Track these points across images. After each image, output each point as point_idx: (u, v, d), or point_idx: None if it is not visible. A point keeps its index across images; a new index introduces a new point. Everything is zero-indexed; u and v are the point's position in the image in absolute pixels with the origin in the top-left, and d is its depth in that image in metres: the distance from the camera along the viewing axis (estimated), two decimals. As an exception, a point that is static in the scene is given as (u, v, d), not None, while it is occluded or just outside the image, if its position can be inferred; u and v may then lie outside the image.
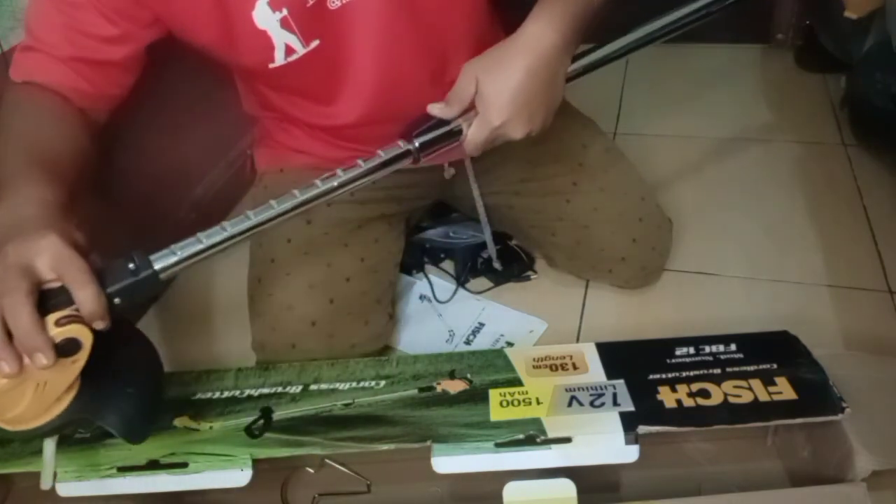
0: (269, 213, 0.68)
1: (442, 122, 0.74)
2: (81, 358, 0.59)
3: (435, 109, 0.74)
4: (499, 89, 0.71)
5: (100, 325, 0.58)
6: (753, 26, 1.74)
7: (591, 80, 0.80)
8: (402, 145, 0.73)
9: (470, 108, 0.74)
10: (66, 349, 0.58)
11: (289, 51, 0.78)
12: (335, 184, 0.71)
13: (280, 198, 0.69)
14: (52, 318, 0.57)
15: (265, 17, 0.75)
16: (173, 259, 0.64)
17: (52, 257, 0.57)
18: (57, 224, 0.59)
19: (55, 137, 0.71)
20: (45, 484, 0.67)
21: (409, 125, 0.74)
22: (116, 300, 0.60)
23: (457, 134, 0.74)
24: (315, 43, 0.78)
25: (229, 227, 0.67)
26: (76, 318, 0.57)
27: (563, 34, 0.72)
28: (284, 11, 0.74)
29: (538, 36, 0.71)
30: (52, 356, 0.56)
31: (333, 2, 0.76)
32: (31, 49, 0.75)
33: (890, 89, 1.22)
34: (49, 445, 0.66)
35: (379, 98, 0.85)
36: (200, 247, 0.65)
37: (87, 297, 0.57)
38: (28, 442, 0.75)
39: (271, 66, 0.79)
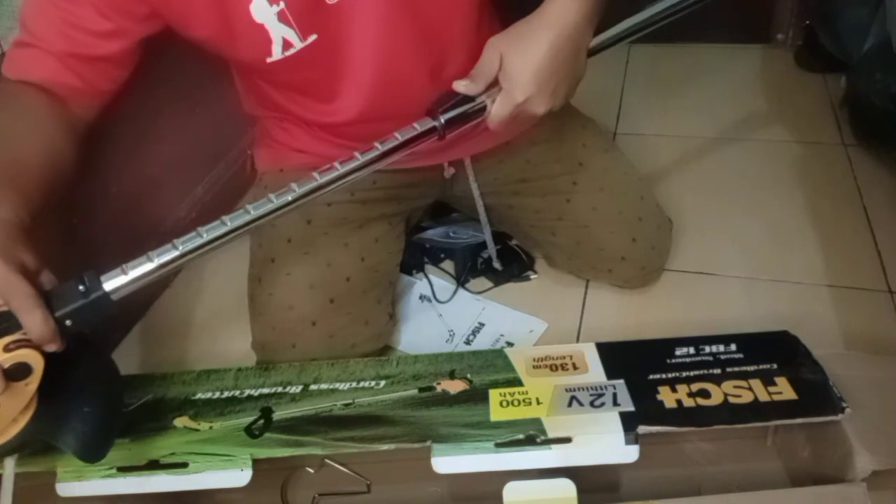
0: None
1: (467, 99, 0.74)
2: (34, 381, 0.58)
3: (460, 86, 0.74)
4: (523, 65, 0.71)
5: (51, 347, 0.58)
6: (753, 26, 1.74)
7: (591, 80, 0.80)
8: (428, 122, 0.73)
9: (494, 84, 0.74)
10: (16, 374, 0.57)
11: (286, 45, 0.78)
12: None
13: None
14: (3, 341, 0.57)
15: (262, 11, 0.75)
16: (124, 279, 0.63)
17: None
18: (3, 246, 0.58)
19: (29, 141, 0.70)
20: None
21: (434, 103, 0.75)
22: (68, 322, 0.60)
23: (481, 110, 0.75)
24: (312, 37, 0.78)
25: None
26: (25, 343, 0.57)
27: (586, 8, 0.72)
28: (282, 4, 0.75)
29: (561, 11, 0.72)
30: None
31: None
32: (24, 45, 0.75)
33: (890, 89, 1.22)
34: (8, 464, 0.64)
35: (378, 95, 0.85)
36: (151, 266, 0.64)
37: (33, 322, 0.57)
38: (28, 442, 0.75)
39: (269, 60, 0.79)
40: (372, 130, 0.88)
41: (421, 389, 0.77)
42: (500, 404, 0.73)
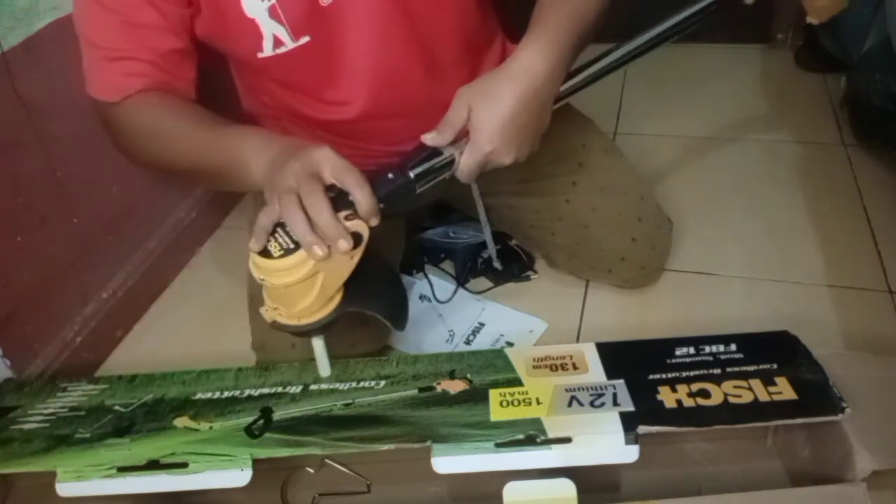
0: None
1: (436, 152, 0.74)
2: (358, 252, 0.68)
3: (428, 139, 0.74)
4: (489, 117, 0.72)
5: (374, 221, 0.67)
6: (753, 26, 1.74)
7: (591, 80, 0.81)
8: (394, 177, 0.72)
9: (462, 135, 0.74)
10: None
11: (277, 42, 0.78)
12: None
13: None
14: (340, 215, 0.65)
15: (253, 6, 0.75)
16: (420, 168, 0.73)
17: (332, 165, 0.67)
18: (328, 144, 0.70)
19: (207, 118, 0.79)
20: (324, 372, 0.78)
21: (405, 157, 0.74)
22: (381, 205, 0.68)
23: (450, 163, 0.75)
24: (305, 39, 0.78)
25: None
26: (356, 216, 0.67)
27: (553, 62, 0.73)
28: (273, 0, 0.75)
29: (528, 65, 0.73)
30: (351, 241, 0.65)
31: None
32: (109, 60, 0.77)
33: (890, 89, 1.23)
34: (318, 342, 0.75)
35: (377, 93, 0.85)
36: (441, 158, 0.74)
37: (364, 196, 0.66)
38: (28, 441, 0.75)
39: (260, 55, 0.79)
40: (374, 128, 0.88)
41: (421, 389, 0.77)
42: (500, 404, 0.73)
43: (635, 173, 1.05)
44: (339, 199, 0.66)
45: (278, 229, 0.66)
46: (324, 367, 0.77)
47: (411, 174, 0.73)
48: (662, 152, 1.40)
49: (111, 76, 0.78)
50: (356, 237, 0.66)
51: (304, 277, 0.66)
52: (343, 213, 0.66)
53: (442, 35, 0.85)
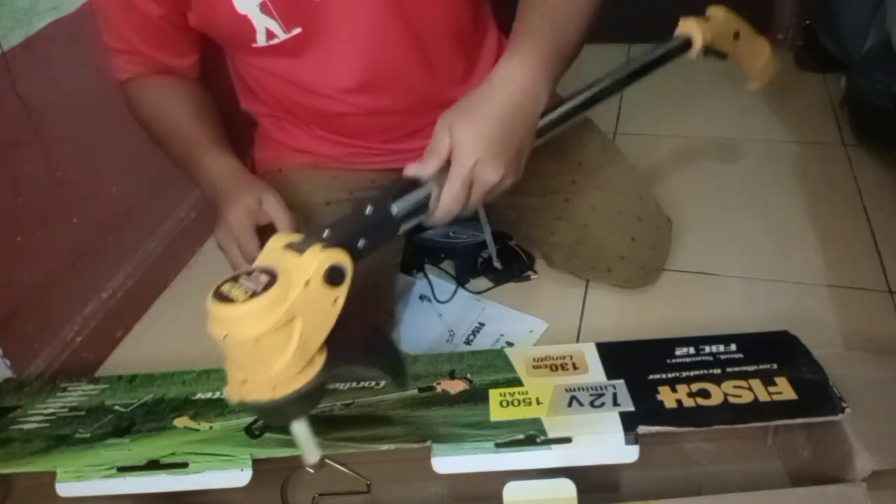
0: None
1: (420, 185, 0.67)
2: (341, 294, 0.56)
3: (410, 170, 0.68)
4: (469, 131, 0.67)
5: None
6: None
7: (591, 79, 0.80)
8: (372, 211, 0.63)
9: (447, 167, 0.68)
10: (331, 276, 0.56)
11: (269, 35, 0.79)
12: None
13: None
14: (316, 247, 0.56)
15: (245, 2, 0.76)
16: (400, 206, 0.64)
17: (248, 208, 0.76)
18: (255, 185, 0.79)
19: (203, 107, 0.88)
20: (313, 456, 0.62)
21: (387, 191, 0.66)
22: (360, 243, 0.59)
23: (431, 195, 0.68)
24: (297, 30, 0.79)
25: None
26: (335, 246, 0.56)
27: (534, 74, 0.70)
28: None
29: (509, 77, 0.69)
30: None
31: None
32: (115, 51, 0.86)
33: (890, 89, 1.22)
34: (300, 426, 0.60)
35: (369, 84, 0.85)
36: (423, 193, 0.66)
37: (285, 219, 0.75)
38: (28, 442, 0.75)
39: (254, 45, 0.80)
40: (369, 124, 0.88)
41: (421, 389, 0.77)
42: (500, 404, 0.73)
43: (635, 172, 1.05)
44: (312, 231, 0.59)
45: (240, 278, 0.55)
46: (311, 450, 0.62)
47: (393, 208, 0.64)
48: (662, 152, 1.40)
49: (114, 59, 0.87)
50: (335, 272, 0.56)
51: (278, 324, 0.53)
52: (317, 245, 0.56)
53: (434, 27, 0.85)
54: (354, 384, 0.78)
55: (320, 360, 0.57)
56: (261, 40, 0.79)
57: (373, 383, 0.78)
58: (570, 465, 0.68)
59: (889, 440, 0.67)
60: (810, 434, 0.74)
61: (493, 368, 0.78)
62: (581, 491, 0.66)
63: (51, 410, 0.80)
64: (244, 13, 0.76)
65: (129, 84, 0.89)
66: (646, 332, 0.99)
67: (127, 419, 0.77)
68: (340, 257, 0.56)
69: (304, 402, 0.58)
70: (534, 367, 0.78)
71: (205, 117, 0.87)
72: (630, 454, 0.68)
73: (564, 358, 0.78)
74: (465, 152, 0.67)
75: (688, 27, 0.89)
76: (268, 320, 0.53)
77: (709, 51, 0.93)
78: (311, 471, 0.80)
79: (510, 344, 1.02)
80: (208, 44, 0.88)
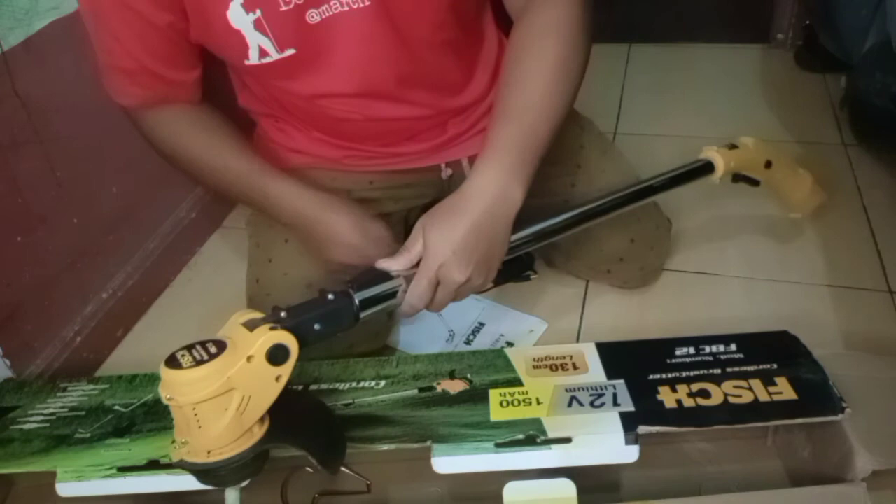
0: None
1: (387, 277, 0.72)
2: (284, 372, 0.60)
3: (382, 264, 0.73)
4: (439, 236, 0.72)
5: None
6: (753, 26, 1.74)
7: (591, 79, 0.81)
8: (334, 297, 0.68)
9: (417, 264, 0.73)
10: (273, 355, 0.59)
11: (262, 52, 0.78)
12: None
13: None
14: (264, 326, 0.60)
15: (239, 18, 0.75)
16: (371, 291, 0.70)
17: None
18: None
19: (240, 136, 0.86)
20: None
21: (352, 279, 0.72)
22: (316, 327, 0.65)
23: (396, 291, 0.73)
24: (290, 51, 0.78)
25: None
26: (281, 328, 0.61)
27: (505, 182, 0.73)
28: (258, 13, 0.74)
29: (482, 186, 0.73)
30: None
31: (312, 16, 0.76)
32: (117, 70, 0.80)
33: (890, 89, 1.22)
34: (233, 494, 0.64)
35: (363, 101, 0.85)
36: (390, 284, 0.71)
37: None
38: (28, 442, 0.75)
39: (247, 62, 0.79)
40: (367, 130, 0.88)
41: (421, 389, 0.77)
42: (500, 404, 0.73)
43: (634, 174, 1.05)
44: (274, 311, 0.63)
45: (196, 345, 0.59)
46: None
47: (356, 298, 0.69)
48: (662, 152, 1.39)
49: (117, 83, 0.82)
50: (278, 351, 0.59)
51: (215, 392, 0.57)
52: (266, 325, 0.60)
53: (428, 42, 0.84)
54: (354, 384, 0.78)
55: (259, 432, 0.61)
56: (253, 58, 0.78)
57: (373, 383, 0.78)
58: (570, 465, 0.68)
59: (889, 440, 0.67)
60: (810, 434, 0.74)
61: (494, 368, 0.78)
62: (581, 491, 0.66)
63: (51, 410, 0.80)
64: (238, 28, 0.76)
65: (144, 114, 0.85)
66: (646, 332, 0.99)
67: (127, 419, 0.77)
68: (286, 338, 0.60)
69: (239, 470, 0.61)
70: (534, 367, 0.78)
71: (247, 146, 0.86)
72: (630, 454, 0.68)
73: (564, 358, 0.78)
74: (433, 254, 0.71)
75: (709, 153, 0.92)
76: (205, 388, 0.56)
77: (738, 177, 0.95)
78: (311, 470, 0.80)
79: (510, 344, 1.02)
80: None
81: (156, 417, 0.76)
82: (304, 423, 0.67)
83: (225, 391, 0.57)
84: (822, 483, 0.67)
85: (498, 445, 0.68)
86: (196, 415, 0.57)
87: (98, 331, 1.04)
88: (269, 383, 0.60)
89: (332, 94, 0.84)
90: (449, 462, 0.68)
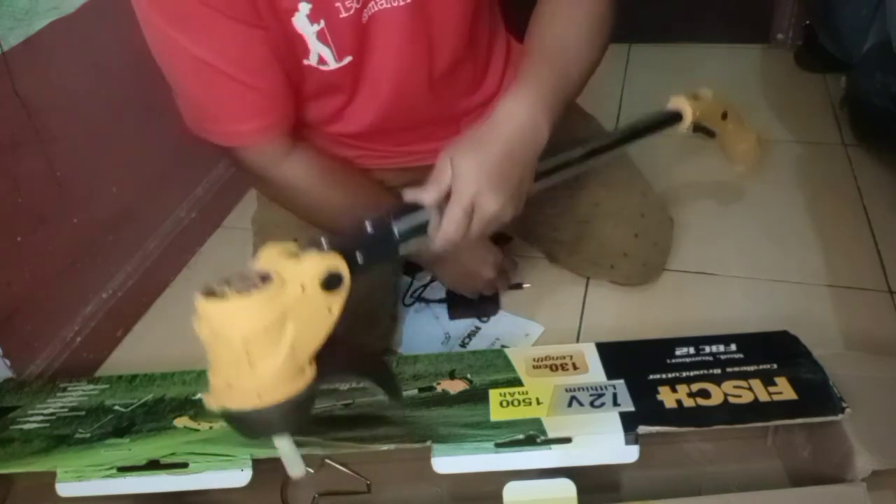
0: None
1: (421, 209, 0.68)
2: (337, 303, 0.55)
3: (409, 195, 0.69)
4: (470, 163, 0.69)
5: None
6: (753, 26, 1.74)
7: (591, 79, 0.80)
8: (374, 230, 0.64)
9: (447, 197, 0.69)
10: (329, 282, 0.54)
11: (321, 60, 0.78)
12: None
13: None
14: (314, 252, 0.55)
15: (304, 27, 0.75)
16: (408, 222, 0.66)
17: None
18: None
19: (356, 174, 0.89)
20: (298, 470, 0.59)
21: (385, 212, 0.67)
22: (359, 256, 0.59)
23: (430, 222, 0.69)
24: (347, 59, 0.78)
25: None
26: (331, 252, 0.56)
27: (536, 111, 0.72)
28: (322, 24, 0.74)
29: (511, 112, 0.71)
30: None
31: (364, 17, 0.75)
32: (257, 94, 0.75)
33: (890, 89, 1.22)
34: (284, 441, 0.57)
35: (387, 109, 0.85)
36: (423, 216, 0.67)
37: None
38: (28, 442, 0.75)
39: (305, 62, 0.78)
40: (380, 132, 0.88)
41: (421, 389, 0.77)
42: (500, 404, 0.73)
43: (637, 170, 1.05)
44: (309, 243, 0.58)
45: (232, 279, 0.52)
46: (296, 464, 0.59)
47: (394, 228, 0.65)
48: (662, 152, 1.40)
49: (233, 115, 0.77)
50: (333, 278, 0.54)
51: (269, 324, 0.50)
52: (316, 250, 0.56)
53: (452, 40, 0.84)
54: (354, 384, 0.78)
55: (311, 372, 0.54)
56: (312, 61, 0.77)
57: (373, 383, 0.78)
58: (570, 465, 0.68)
59: (889, 440, 0.67)
60: (810, 434, 0.74)
61: (494, 368, 0.78)
62: (581, 491, 0.66)
63: (51, 410, 0.80)
64: (302, 33, 0.75)
65: (279, 165, 0.81)
66: (646, 331, 0.99)
67: (127, 419, 0.77)
68: (339, 264, 0.55)
69: (290, 414, 0.54)
70: (534, 367, 0.78)
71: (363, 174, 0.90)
72: (630, 454, 0.68)
73: (564, 358, 0.78)
74: (467, 182, 0.68)
75: (679, 102, 0.95)
76: (259, 318, 0.50)
77: (697, 127, 0.97)
78: (311, 470, 0.80)
79: (505, 348, 1.01)
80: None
81: (156, 417, 0.77)
82: (353, 355, 0.62)
83: (279, 323, 0.51)
84: (822, 483, 0.67)
85: (498, 445, 0.68)
86: (247, 351, 0.50)
87: (98, 331, 1.04)
88: (323, 314, 0.54)
89: (367, 111, 0.85)
90: (449, 462, 0.68)
